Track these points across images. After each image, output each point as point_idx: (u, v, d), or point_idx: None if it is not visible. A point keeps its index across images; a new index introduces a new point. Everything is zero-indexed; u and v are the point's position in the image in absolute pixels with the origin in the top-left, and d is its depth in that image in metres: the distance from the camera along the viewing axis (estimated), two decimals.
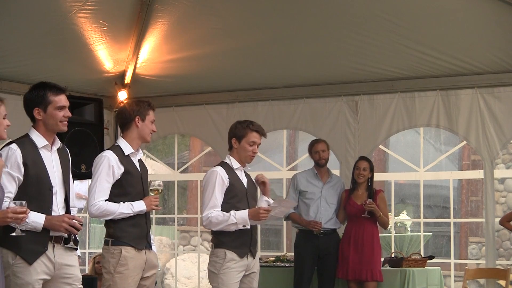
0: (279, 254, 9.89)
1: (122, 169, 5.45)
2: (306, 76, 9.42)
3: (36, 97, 4.77)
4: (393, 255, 9.12)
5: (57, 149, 4.99)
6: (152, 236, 6.01)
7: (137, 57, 9.64)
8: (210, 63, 9.63)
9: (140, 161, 5.71)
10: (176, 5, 8.93)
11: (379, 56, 8.75)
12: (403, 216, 13.16)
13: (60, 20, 8.54)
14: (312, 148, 8.47)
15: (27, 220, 4.57)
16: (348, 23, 8.48)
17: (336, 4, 8.51)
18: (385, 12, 8.16)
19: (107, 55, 9.48)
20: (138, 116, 5.52)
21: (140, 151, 5.73)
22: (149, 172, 6.15)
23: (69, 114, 4.90)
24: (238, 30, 9.22)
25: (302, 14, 8.66)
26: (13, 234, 4.54)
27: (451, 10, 8.26)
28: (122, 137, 5.73)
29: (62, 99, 4.82)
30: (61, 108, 4.80)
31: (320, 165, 8.41)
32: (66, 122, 4.88)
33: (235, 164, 5.95)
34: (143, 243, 5.54)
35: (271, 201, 6.29)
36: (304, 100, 9.36)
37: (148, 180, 5.85)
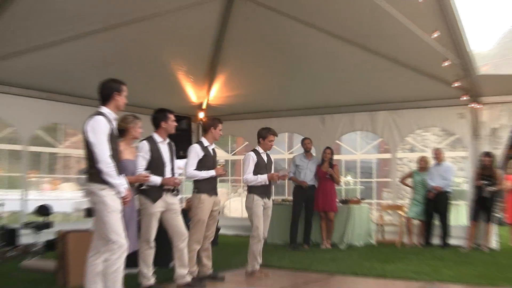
0: (284, 197, 12.65)
1: (202, 154, 6.88)
2: (301, 104, 12.19)
3: (162, 116, 6.31)
4: (343, 198, 11.75)
5: (167, 143, 6.29)
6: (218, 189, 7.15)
7: (209, 95, 12.44)
8: (250, 97, 12.02)
9: (213, 150, 7.05)
10: (232, 62, 11.27)
11: (334, 91, 11.42)
12: (349, 178, 15.27)
13: (166, 72, 11.04)
14: (303, 142, 11.12)
15: (151, 179, 5.95)
16: (332, 71, 10.85)
17: (324, 62, 10.76)
18: (341, 69, 10.64)
19: (193, 94, 12.23)
20: (212, 126, 7.02)
21: (214, 144, 7.08)
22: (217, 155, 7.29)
23: (176, 124, 6.47)
24: (270, 76, 11.45)
25: (302, 68, 11.09)
26: (143, 187, 5.98)
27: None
28: (204, 137, 7.09)
29: (174, 117, 6.33)
30: (174, 120, 6.30)
31: (307, 151, 11.00)
32: (174, 128, 6.42)
33: (260, 150, 7.54)
34: (213, 192, 6.95)
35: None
36: (298, 117, 12.41)
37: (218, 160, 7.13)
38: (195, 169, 6.81)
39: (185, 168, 6.87)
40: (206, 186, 6.89)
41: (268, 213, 7.49)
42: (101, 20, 8.96)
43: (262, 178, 7.30)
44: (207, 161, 6.91)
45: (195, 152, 6.87)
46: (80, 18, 8.69)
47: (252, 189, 7.35)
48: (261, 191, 7.36)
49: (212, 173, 6.88)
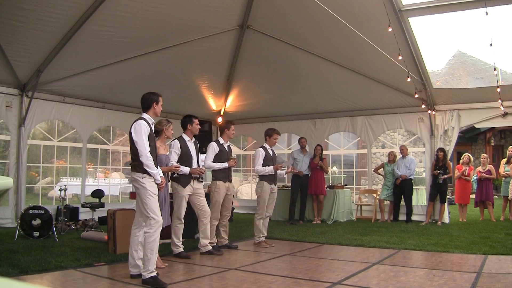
0: (284, 184, 12.47)
1: (218, 149, 6.75)
2: (297, 111, 12.04)
3: (189, 120, 6.23)
4: (330, 184, 11.67)
5: (193, 141, 6.25)
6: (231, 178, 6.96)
7: (225, 103, 12.28)
8: (257, 105, 12.05)
9: (229, 146, 6.92)
10: (244, 78, 11.15)
11: (323, 101, 11.28)
12: (334, 168, 14.60)
13: (193, 86, 10.85)
14: (300, 140, 10.97)
15: (181, 169, 5.89)
16: (321, 86, 10.66)
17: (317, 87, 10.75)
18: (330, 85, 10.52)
19: (213, 103, 12.10)
20: (226, 128, 6.89)
21: (229, 142, 6.96)
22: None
23: (199, 127, 6.35)
24: (273, 89, 11.35)
25: (298, 83, 10.81)
26: (175, 175, 5.98)
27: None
28: (221, 136, 6.98)
29: (198, 121, 6.31)
30: (197, 124, 6.28)
31: (302, 147, 10.80)
32: (198, 130, 6.34)
33: (267, 146, 7.31)
34: (227, 179, 6.83)
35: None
36: (294, 121, 12.27)
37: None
38: (211, 161, 6.67)
39: (204, 160, 6.70)
40: (221, 175, 6.74)
41: (274, 197, 7.30)
42: (142, 48, 8.90)
43: (269, 169, 7.09)
44: (222, 155, 6.76)
45: (212, 148, 6.73)
46: (125, 47, 8.65)
47: (262, 177, 7.15)
48: (269, 178, 7.16)
49: (225, 164, 6.73)
